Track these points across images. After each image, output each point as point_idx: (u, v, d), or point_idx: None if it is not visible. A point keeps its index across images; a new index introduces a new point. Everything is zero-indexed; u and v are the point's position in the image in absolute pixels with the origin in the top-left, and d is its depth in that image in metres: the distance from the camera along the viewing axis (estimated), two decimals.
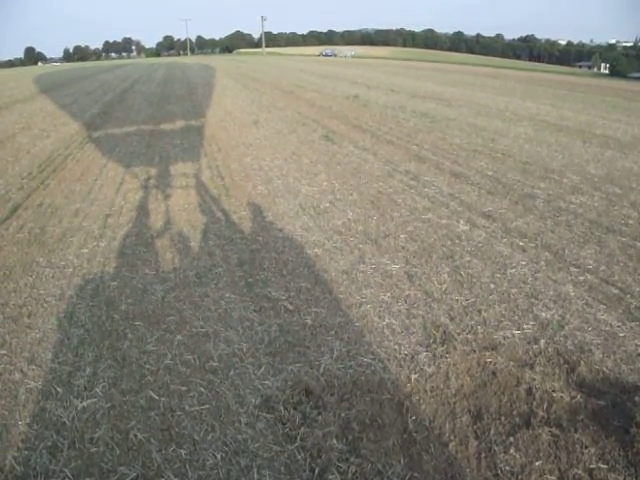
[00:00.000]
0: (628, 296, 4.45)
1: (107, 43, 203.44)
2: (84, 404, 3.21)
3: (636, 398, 3.09)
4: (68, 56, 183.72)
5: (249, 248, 5.56)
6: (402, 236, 5.75)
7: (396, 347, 3.70)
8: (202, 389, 3.33)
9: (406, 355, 3.60)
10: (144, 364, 3.59)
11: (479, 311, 4.17)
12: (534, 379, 3.30)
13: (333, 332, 3.92)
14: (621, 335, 3.84)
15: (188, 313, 4.27)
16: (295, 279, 4.82)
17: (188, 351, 3.73)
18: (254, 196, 7.41)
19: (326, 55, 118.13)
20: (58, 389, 3.35)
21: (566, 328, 3.92)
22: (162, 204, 7.23)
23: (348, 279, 4.78)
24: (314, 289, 4.62)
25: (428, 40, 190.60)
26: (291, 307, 4.30)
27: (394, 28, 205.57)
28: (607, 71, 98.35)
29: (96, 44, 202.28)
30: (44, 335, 3.99)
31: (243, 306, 4.36)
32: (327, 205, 6.91)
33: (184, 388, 3.34)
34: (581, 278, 4.78)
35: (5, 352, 3.77)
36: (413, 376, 3.36)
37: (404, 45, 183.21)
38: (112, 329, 4.04)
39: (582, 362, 3.47)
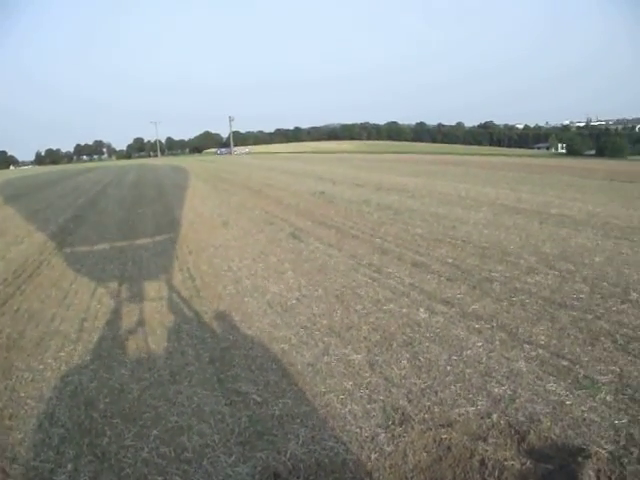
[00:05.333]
0: (577, 366, 4.86)
1: (78, 146, 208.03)
2: None
3: (579, 459, 3.44)
4: (40, 159, 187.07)
5: (220, 346, 5.90)
6: (364, 327, 6.13)
7: (357, 430, 4.02)
8: (178, 478, 3.60)
9: (367, 437, 3.92)
10: (123, 458, 3.85)
11: (436, 392, 4.52)
12: (487, 450, 3.63)
13: (299, 420, 4.23)
14: (568, 403, 4.22)
15: (163, 409, 4.55)
16: (263, 373, 5.15)
17: (164, 444, 4.00)
18: (224, 296, 7.78)
19: (220, 153, 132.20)
20: None
21: (517, 401, 4.29)
22: (136, 307, 7.54)
23: (313, 370, 5.12)
24: (281, 382, 4.95)
25: (392, 132, 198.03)
26: (260, 399, 4.61)
27: (359, 122, 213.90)
28: (564, 150, 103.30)
29: (67, 147, 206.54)
30: (25, 435, 4.22)
31: (215, 401, 4.67)
32: (294, 302, 7.29)
33: (161, 478, 3.61)
34: (533, 353, 5.18)
35: None
36: (373, 455, 3.67)
37: (369, 138, 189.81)
38: (91, 427, 4.30)
39: (532, 431, 3.82)
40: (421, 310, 6.59)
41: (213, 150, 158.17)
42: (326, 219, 14.13)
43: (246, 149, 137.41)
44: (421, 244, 10.35)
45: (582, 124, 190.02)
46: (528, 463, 3.49)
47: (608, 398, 4.29)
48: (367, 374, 4.97)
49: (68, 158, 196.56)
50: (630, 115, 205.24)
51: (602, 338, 5.48)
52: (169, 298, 7.90)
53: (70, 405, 4.72)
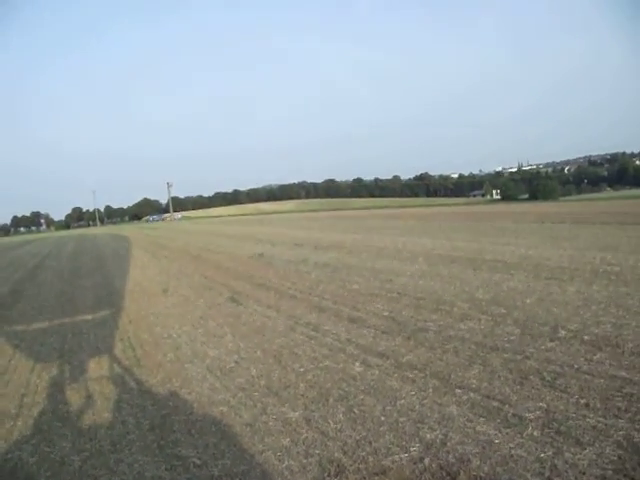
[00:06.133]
0: (506, 406, 5.16)
1: (15, 218, 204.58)
2: None
3: None
4: None
5: (160, 413, 6.01)
6: (302, 385, 6.31)
7: None
8: None
9: None
10: None
11: (370, 442, 4.72)
12: None
13: (237, 479, 4.38)
14: (497, 441, 4.49)
15: (104, 478, 4.66)
16: (203, 437, 5.28)
17: None
18: (164, 364, 7.87)
19: (152, 220, 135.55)
20: None
21: (448, 444, 4.53)
22: (76, 379, 7.58)
23: (251, 430, 5.28)
24: (220, 443, 5.09)
25: (330, 189, 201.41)
26: (199, 462, 4.75)
27: (296, 182, 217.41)
28: (499, 196, 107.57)
29: (4, 219, 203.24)
30: None
31: (155, 466, 4.78)
32: (232, 365, 7.43)
33: None
34: (465, 397, 5.46)
35: None
36: None
37: (307, 197, 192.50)
38: None
39: (462, 471, 4.06)
40: (357, 364, 6.81)
41: (156, 216, 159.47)
42: (265, 281, 14.31)
43: (179, 215, 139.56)
44: (358, 299, 10.63)
45: (514, 169, 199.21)
46: None
47: (535, 433, 4.58)
48: (304, 430, 5.14)
49: (5, 231, 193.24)
50: (559, 158, 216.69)
51: (531, 377, 5.81)
52: (109, 369, 7.96)
53: None
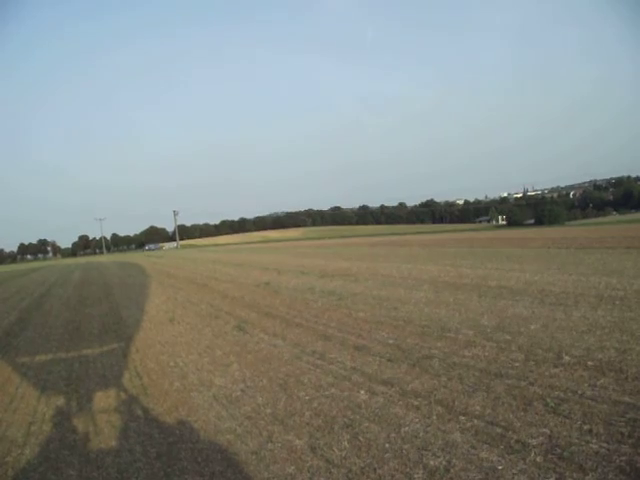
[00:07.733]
0: (510, 432, 5.21)
1: (22, 245, 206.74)
2: None
3: None
4: None
5: (166, 441, 6.07)
6: (307, 413, 6.37)
7: None
8: None
9: None
10: None
11: (375, 469, 4.79)
12: None
13: None
14: (500, 468, 4.54)
15: None
16: (209, 464, 5.36)
17: None
18: (170, 392, 7.91)
19: (149, 249, 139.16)
20: None
21: (452, 471, 4.59)
22: (84, 407, 7.64)
23: (257, 458, 5.35)
24: (226, 471, 5.17)
25: (336, 217, 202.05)
26: None
27: (303, 209, 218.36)
28: (505, 222, 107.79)
29: (11, 247, 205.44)
30: None
31: None
32: (239, 393, 7.48)
33: None
34: (468, 424, 5.51)
35: None
36: None
37: (314, 224, 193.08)
38: None
39: None
40: (362, 392, 6.87)
41: (152, 245, 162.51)
42: (271, 309, 14.36)
43: (174, 244, 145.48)
44: (363, 327, 10.68)
45: (520, 195, 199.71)
46: None
47: (538, 459, 4.64)
48: (309, 457, 5.21)
49: (12, 258, 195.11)
50: (564, 183, 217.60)
51: (534, 403, 5.87)
52: (116, 397, 8.02)
53: None
